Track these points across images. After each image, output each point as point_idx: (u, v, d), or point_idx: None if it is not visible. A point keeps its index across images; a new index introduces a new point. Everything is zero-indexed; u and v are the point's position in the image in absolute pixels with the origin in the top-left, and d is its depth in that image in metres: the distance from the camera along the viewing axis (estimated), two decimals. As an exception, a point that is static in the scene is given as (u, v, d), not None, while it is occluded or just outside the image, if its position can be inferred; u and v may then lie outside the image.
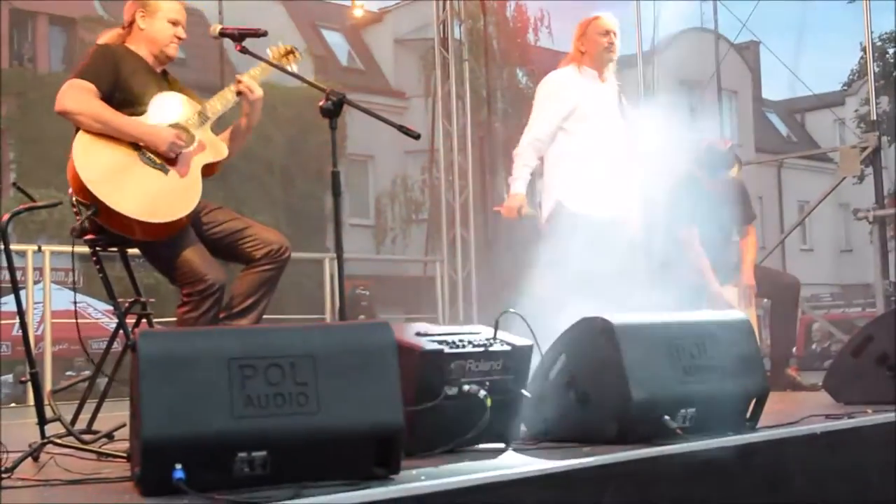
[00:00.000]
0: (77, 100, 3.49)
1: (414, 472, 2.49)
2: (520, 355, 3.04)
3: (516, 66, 21.18)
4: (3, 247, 3.10)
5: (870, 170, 9.54)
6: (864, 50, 14.88)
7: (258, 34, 3.67)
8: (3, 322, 10.37)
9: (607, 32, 4.99)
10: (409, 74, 23.68)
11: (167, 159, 3.55)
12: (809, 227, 27.71)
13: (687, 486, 2.89)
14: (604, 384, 3.10)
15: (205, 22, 15.97)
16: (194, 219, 3.59)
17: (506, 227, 5.43)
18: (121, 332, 3.64)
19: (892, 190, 17.02)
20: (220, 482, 2.24)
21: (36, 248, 7.93)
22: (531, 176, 4.99)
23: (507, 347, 3.01)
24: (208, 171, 3.67)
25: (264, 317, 3.71)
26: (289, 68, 3.84)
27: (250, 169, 19.10)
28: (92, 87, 3.52)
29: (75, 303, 4.12)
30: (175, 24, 3.76)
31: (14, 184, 3.76)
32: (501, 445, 3.04)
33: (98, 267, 3.64)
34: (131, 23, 3.76)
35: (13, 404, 8.69)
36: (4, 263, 3.17)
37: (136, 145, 3.53)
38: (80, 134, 3.50)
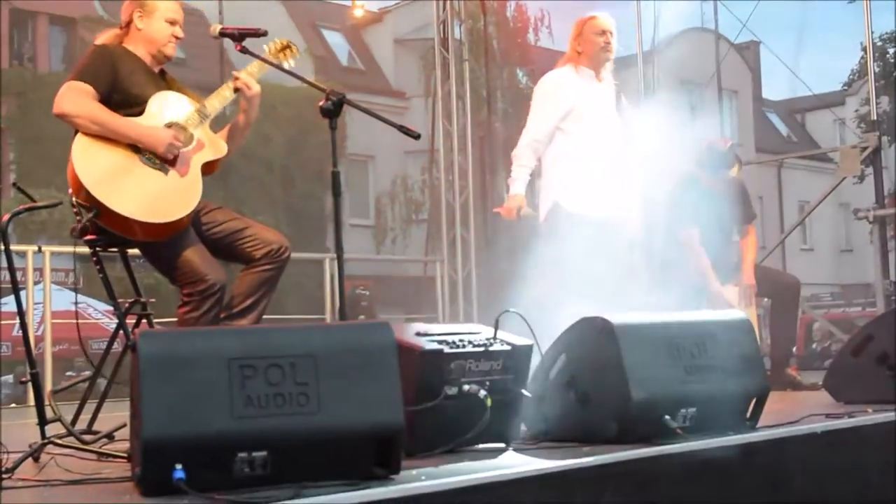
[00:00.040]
0: (75, 102, 3.49)
1: (414, 472, 2.49)
2: (520, 355, 3.04)
3: (516, 66, 21.18)
4: (3, 247, 3.11)
5: (870, 170, 9.54)
6: (864, 50, 14.90)
7: (258, 34, 3.67)
8: (3, 322, 10.36)
9: (603, 32, 4.98)
10: (410, 74, 23.67)
11: (166, 159, 3.55)
12: (810, 226, 27.71)
13: (687, 486, 2.89)
14: (604, 384, 3.10)
15: (205, 22, 16.00)
16: (194, 219, 3.59)
17: (506, 227, 5.43)
18: (121, 332, 3.64)
19: (892, 190, 17.02)
20: (221, 482, 2.24)
21: (36, 248, 7.93)
22: (530, 177, 4.99)
23: (507, 347, 3.01)
24: (208, 169, 3.67)
25: (264, 317, 3.71)
26: (285, 64, 3.84)
27: (250, 169, 19.10)
28: (90, 88, 3.52)
29: (76, 303, 4.12)
30: (173, 23, 3.76)
31: (14, 184, 3.76)
32: (501, 445, 3.04)
33: (98, 267, 3.63)
34: (129, 23, 3.75)
35: (13, 405, 8.68)
36: (4, 264, 3.17)
37: (135, 146, 3.53)
38: (80, 136, 3.50)
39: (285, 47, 3.91)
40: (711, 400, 3.16)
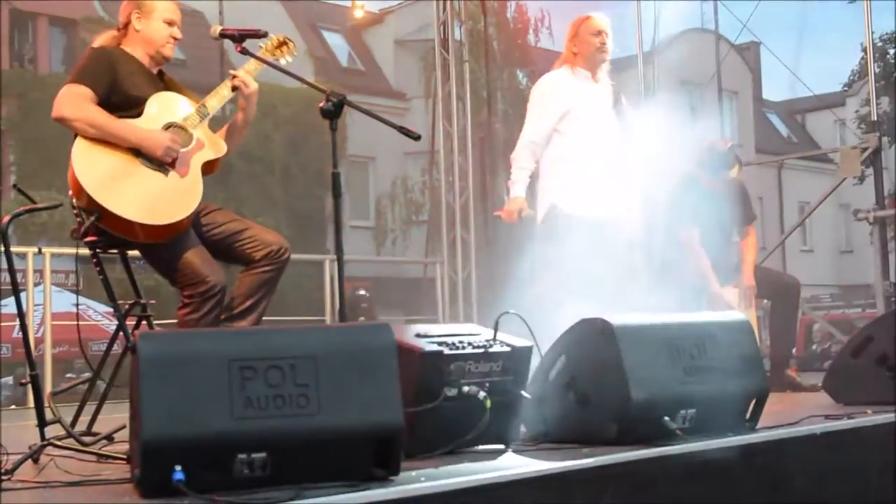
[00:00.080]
0: (73, 106, 3.49)
1: (414, 473, 2.50)
2: (519, 356, 3.04)
3: (517, 67, 21.16)
4: (3, 249, 3.11)
5: (870, 170, 9.54)
6: (864, 50, 14.89)
7: (258, 35, 3.67)
8: (3, 324, 10.37)
9: (599, 32, 4.98)
10: (410, 75, 23.67)
11: (165, 162, 3.55)
12: (810, 227, 27.71)
13: (686, 487, 2.89)
14: (604, 385, 3.10)
15: (205, 23, 16.02)
16: (194, 220, 3.59)
17: (506, 228, 5.43)
18: (121, 334, 3.63)
19: (892, 191, 17.03)
20: (220, 483, 2.25)
21: (36, 250, 7.92)
22: (530, 178, 4.99)
23: (507, 348, 3.01)
24: (208, 168, 3.67)
25: (264, 318, 3.71)
26: (282, 61, 3.83)
27: (250, 169, 19.10)
28: (88, 91, 3.52)
29: (77, 305, 4.12)
30: (171, 24, 3.76)
31: (14, 185, 3.76)
32: (501, 446, 3.04)
33: (98, 269, 3.63)
34: (127, 24, 3.75)
35: (13, 406, 8.68)
36: (5, 265, 3.17)
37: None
38: (79, 139, 3.49)
39: (282, 44, 3.91)
40: (711, 401, 3.16)
